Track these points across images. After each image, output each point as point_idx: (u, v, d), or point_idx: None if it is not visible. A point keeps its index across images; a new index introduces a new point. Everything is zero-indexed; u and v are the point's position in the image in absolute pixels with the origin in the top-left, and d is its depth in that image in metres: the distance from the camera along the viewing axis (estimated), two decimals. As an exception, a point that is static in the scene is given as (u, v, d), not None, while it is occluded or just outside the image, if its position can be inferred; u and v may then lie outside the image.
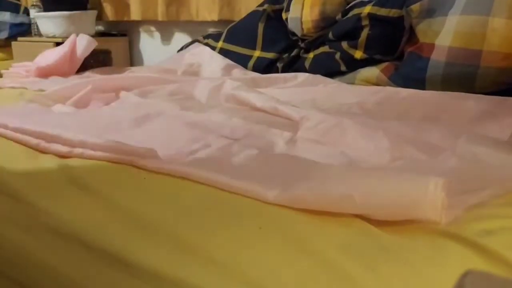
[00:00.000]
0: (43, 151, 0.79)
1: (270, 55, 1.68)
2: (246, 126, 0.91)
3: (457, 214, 0.52)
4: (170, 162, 0.67)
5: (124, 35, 2.60)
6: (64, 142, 0.76)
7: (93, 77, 1.49)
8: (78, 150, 0.74)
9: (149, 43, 2.57)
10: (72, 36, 1.73)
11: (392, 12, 1.37)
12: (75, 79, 1.46)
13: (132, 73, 1.62)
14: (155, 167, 0.67)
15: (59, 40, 2.32)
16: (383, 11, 1.39)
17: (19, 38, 2.52)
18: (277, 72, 1.63)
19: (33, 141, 0.80)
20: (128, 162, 0.69)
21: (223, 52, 1.77)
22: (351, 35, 1.45)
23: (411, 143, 0.76)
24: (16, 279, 0.63)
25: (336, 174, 0.55)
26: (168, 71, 1.70)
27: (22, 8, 2.72)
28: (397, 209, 0.50)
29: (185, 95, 1.26)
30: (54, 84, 1.37)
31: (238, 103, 1.12)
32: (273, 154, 0.75)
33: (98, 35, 2.55)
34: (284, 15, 1.69)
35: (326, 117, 0.86)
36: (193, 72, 1.70)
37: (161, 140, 0.82)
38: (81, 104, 1.16)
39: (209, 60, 1.71)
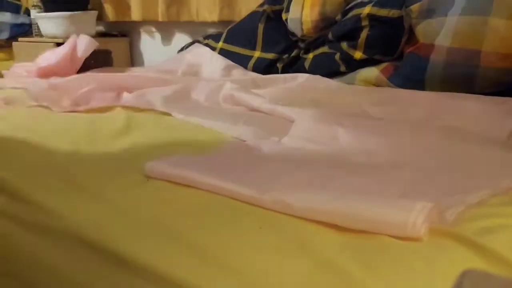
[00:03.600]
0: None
1: (270, 55, 1.68)
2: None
3: (457, 214, 0.53)
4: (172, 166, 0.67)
5: (124, 35, 2.60)
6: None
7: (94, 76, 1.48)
8: None
9: (149, 44, 2.58)
10: (73, 37, 1.73)
11: (392, 13, 1.38)
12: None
13: (133, 73, 1.62)
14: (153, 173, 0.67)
15: (60, 40, 2.32)
16: (382, 12, 1.39)
17: (20, 39, 2.52)
18: (277, 72, 1.64)
19: None
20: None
21: (223, 53, 1.78)
22: (351, 35, 1.45)
23: (406, 145, 0.76)
24: (21, 279, 0.63)
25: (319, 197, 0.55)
26: (168, 72, 1.70)
27: (23, 9, 2.72)
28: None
29: (185, 96, 1.26)
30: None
31: (236, 103, 1.13)
32: (262, 157, 0.74)
33: (99, 35, 2.55)
34: (284, 16, 1.69)
35: (318, 124, 0.86)
36: (193, 73, 1.70)
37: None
38: (83, 101, 1.16)
39: (209, 61, 1.71)
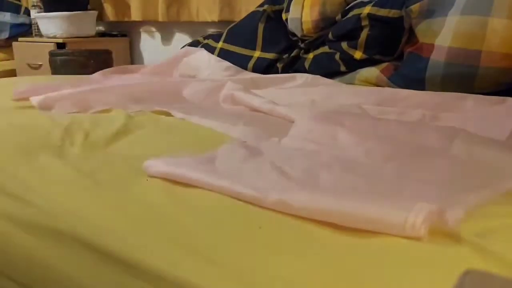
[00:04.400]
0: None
1: (270, 55, 1.69)
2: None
3: (457, 215, 0.53)
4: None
5: (124, 35, 2.61)
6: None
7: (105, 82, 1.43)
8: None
9: (149, 44, 2.58)
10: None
11: (392, 13, 1.38)
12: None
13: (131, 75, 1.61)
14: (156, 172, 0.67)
15: (60, 40, 2.32)
16: (382, 12, 1.39)
17: (19, 39, 2.53)
18: (277, 72, 1.64)
19: None
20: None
21: (223, 53, 1.78)
22: (351, 35, 1.45)
23: (406, 144, 0.76)
24: (18, 280, 0.63)
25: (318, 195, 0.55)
26: (165, 73, 1.70)
27: (22, 9, 2.73)
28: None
29: (182, 96, 1.26)
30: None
31: (236, 103, 1.13)
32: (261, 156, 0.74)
33: (99, 35, 2.55)
34: (284, 16, 1.69)
35: (318, 124, 0.86)
36: (191, 74, 1.69)
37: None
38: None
39: (207, 63, 1.71)
